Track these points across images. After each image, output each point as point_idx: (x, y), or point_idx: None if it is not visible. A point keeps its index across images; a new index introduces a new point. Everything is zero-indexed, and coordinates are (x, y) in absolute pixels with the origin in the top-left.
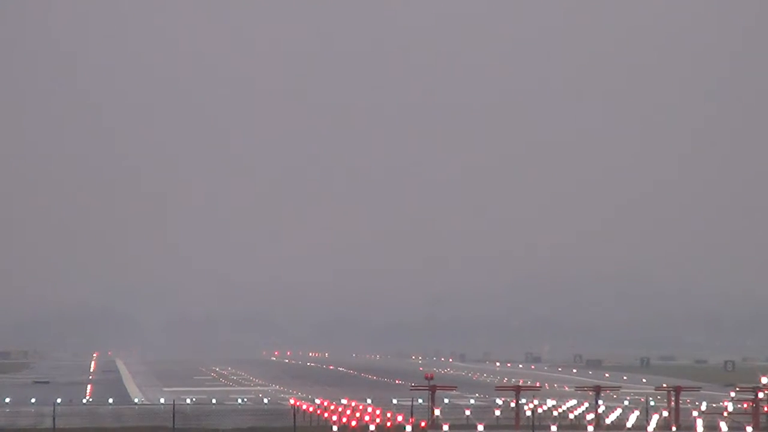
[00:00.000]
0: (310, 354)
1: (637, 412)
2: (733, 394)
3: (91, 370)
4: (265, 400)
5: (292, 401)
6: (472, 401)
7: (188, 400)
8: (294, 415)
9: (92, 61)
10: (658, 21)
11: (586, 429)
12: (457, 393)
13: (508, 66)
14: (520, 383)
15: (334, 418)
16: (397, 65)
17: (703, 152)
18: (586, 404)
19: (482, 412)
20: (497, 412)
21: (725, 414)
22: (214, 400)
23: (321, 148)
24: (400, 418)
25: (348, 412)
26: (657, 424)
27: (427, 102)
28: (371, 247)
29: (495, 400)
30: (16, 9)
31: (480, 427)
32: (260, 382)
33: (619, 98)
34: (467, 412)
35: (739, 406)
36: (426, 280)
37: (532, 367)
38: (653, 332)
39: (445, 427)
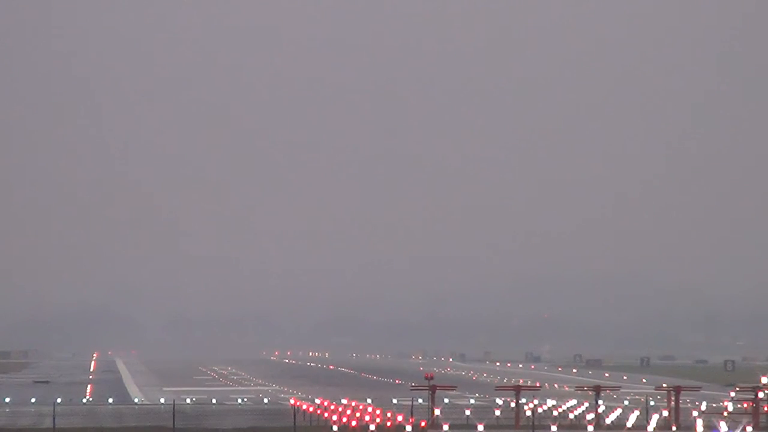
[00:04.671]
0: (310, 354)
1: (637, 412)
2: (733, 394)
3: (91, 370)
4: (265, 400)
5: (292, 401)
6: (472, 401)
7: (188, 400)
8: (294, 415)
9: (91, 60)
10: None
11: (586, 429)
12: (457, 393)
13: (508, 60)
14: (520, 383)
15: (334, 418)
16: (398, 57)
17: (704, 151)
18: (586, 404)
19: (482, 412)
20: (497, 412)
21: (725, 414)
22: (214, 400)
23: (321, 148)
24: (400, 418)
25: (348, 412)
26: (657, 424)
27: (427, 99)
28: (371, 247)
29: (495, 400)
30: (16, 8)
31: (480, 427)
32: (260, 382)
33: (618, 93)
34: (467, 412)
35: (739, 406)
36: (426, 280)
37: (532, 367)
38: (653, 332)
39: (445, 427)
